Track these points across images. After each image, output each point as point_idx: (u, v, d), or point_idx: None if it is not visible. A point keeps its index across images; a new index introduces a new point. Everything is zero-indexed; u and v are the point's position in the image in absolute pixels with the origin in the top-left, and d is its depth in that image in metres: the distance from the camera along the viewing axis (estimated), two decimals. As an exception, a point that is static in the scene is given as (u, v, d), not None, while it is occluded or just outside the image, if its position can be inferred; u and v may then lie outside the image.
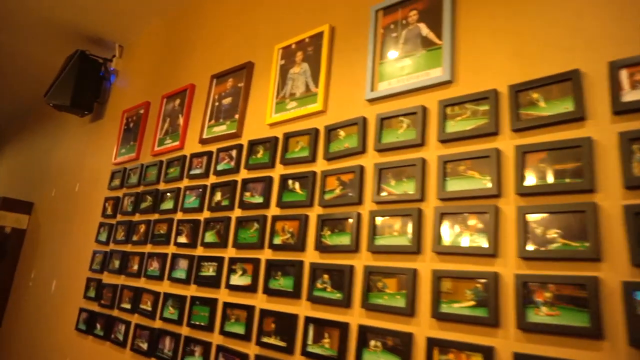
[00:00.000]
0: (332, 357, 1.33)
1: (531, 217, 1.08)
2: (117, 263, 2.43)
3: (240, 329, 1.63)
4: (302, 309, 1.48)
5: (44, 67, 3.71)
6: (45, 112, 4.18)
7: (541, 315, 1.01)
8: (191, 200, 2.09)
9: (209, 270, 1.86)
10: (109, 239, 2.59)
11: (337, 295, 1.39)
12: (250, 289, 1.65)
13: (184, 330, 1.88)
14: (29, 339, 3.15)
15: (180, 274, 1.99)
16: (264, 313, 1.57)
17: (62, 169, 3.56)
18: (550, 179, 1.08)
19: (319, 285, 1.45)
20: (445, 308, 1.16)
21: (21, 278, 3.63)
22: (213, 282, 1.81)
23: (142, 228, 2.34)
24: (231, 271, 1.75)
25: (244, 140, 1.95)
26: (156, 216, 2.29)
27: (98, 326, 2.41)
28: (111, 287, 2.41)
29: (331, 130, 1.59)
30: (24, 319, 3.33)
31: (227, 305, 1.72)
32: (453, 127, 1.29)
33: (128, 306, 2.23)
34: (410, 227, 1.28)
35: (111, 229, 2.61)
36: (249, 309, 1.63)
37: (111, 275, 2.48)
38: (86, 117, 3.36)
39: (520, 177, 1.12)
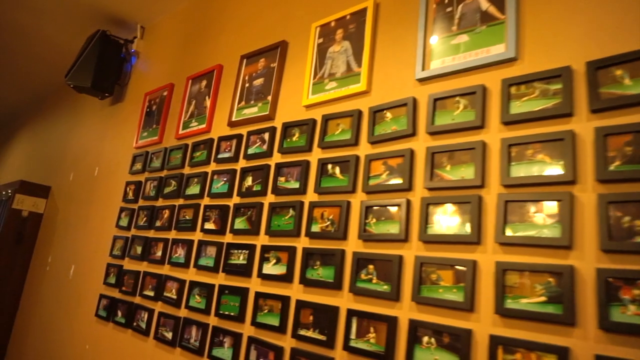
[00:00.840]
0: (379, 354, 1.24)
1: (614, 207, 0.98)
2: (139, 249, 2.36)
3: (274, 320, 1.55)
4: (344, 300, 1.39)
5: (63, 50, 3.64)
6: (64, 95, 4.12)
7: (628, 314, 0.91)
8: (219, 185, 2.01)
9: (239, 258, 1.78)
10: (130, 225, 2.52)
11: (384, 287, 1.29)
12: (285, 278, 1.56)
13: (212, 320, 1.80)
14: (46, 323, 3.11)
15: (208, 261, 1.91)
16: (301, 304, 1.48)
17: (81, 153, 3.50)
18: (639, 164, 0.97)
19: (363, 276, 1.36)
20: (510, 304, 1.06)
21: (38, 263, 3.59)
22: (244, 271, 1.73)
23: (166, 213, 2.26)
24: (264, 259, 1.67)
25: (277, 123, 1.86)
26: (181, 201, 2.21)
27: (119, 313, 2.35)
28: (133, 274, 2.34)
29: (376, 111, 1.49)
30: (42, 303, 3.29)
31: (259, 295, 1.63)
32: (519, 107, 1.18)
33: (151, 293, 2.16)
34: (468, 216, 1.18)
35: (132, 214, 2.54)
36: (284, 299, 1.54)
37: (133, 262, 2.41)
38: (106, 100, 3.29)
39: (602, 162, 1.01)
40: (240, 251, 1.78)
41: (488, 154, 1.20)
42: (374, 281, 1.32)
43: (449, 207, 1.23)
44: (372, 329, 1.29)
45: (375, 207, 1.39)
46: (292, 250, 1.58)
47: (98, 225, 2.87)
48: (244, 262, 1.75)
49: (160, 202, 2.37)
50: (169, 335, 1.97)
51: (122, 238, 2.54)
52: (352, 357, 1.31)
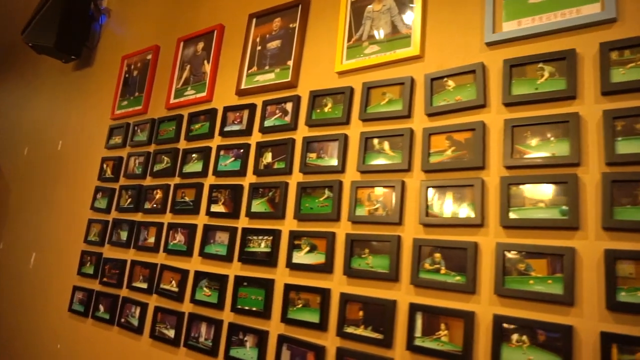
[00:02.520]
0: (455, 354, 1.09)
1: None
2: (123, 235, 2.06)
3: (312, 317, 1.36)
4: (403, 294, 1.22)
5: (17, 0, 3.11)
6: (18, 56, 3.53)
7: None
8: (228, 162, 1.75)
9: (260, 246, 1.55)
10: (110, 206, 2.20)
11: (457, 279, 1.13)
12: (324, 268, 1.37)
13: (227, 316, 1.57)
14: (3, 320, 2.70)
15: (218, 249, 1.67)
16: (347, 298, 1.30)
17: (39, 124, 3.04)
18: None
19: (427, 266, 1.19)
20: (624, 297, 0.93)
21: (-15, 250, 3.13)
22: (267, 260, 1.51)
23: (158, 194, 1.97)
24: (294, 247, 1.46)
25: (301, 92, 1.63)
26: (177, 180, 1.93)
27: (101, 308, 2.05)
28: (117, 263, 2.04)
29: (435, 79, 1.31)
30: (-7, 297, 2.86)
31: (290, 287, 1.43)
32: (622, 76, 1.04)
33: (143, 285, 1.89)
34: (564, 197, 1.04)
35: (112, 195, 2.21)
36: (324, 292, 1.35)
37: (116, 249, 2.10)
38: (70, 63, 2.85)
39: None
40: (261, 237, 1.56)
41: (584, 128, 1.06)
42: (443, 271, 1.16)
43: (539, 188, 1.08)
44: (443, 326, 1.13)
45: (439, 187, 1.22)
46: (331, 237, 1.38)
47: (67, 208, 2.50)
48: (267, 249, 1.53)
49: (149, 181, 2.07)
50: (170, 332, 1.71)
51: (99, 222, 2.21)
52: (417, 357, 1.15)
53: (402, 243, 1.25)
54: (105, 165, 2.30)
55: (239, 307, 1.53)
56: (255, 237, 1.57)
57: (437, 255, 1.18)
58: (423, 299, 1.18)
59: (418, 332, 1.16)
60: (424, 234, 1.22)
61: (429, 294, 1.17)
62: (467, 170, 1.20)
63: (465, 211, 1.16)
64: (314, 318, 1.35)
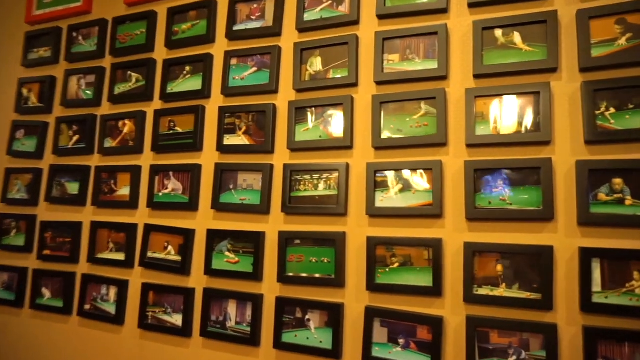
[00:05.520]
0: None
1: None
2: (72, 187, 1.45)
3: (419, 279, 0.97)
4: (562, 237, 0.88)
5: None
6: None
7: None
8: (247, 74, 1.24)
9: (318, 188, 1.11)
10: (42, 149, 1.54)
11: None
12: (432, 211, 0.98)
13: (270, 289, 1.13)
14: None
15: (245, 196, 1.19)
16: (476, 248, 0.93)
17: None
18: None
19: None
20: None
21: None
22: (332, 207, 1.07)
23: (127, 126, 1.39)
24: (376, 187, 1.04)
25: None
26: (158, 105, 1.36)
27: (45, 293, 1.43)
28: (67, 228, 1.43)
29: None
30: None
31: (375, 240, 1.02)
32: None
33: (117, 256, 1.33)
34: None
35: (45, 132, 1.54)
36: (435, 244, 0.96)
37: (62, 209, 1.47)
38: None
39: None
40: (317, 176, 1.10)
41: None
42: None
43: None
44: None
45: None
46: (438, 166, 0.98)
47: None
48: (331, 191, 1.09)
49: (106, 109, 1.44)
50: (175, 319, 1.21)
51: (26, 171, 1.53)
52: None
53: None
54: (25, 90, 1.58)
55: (290, 274, 1.09)
56: (306, 177, 1.11)
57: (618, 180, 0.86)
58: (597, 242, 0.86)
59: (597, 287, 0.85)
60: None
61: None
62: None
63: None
64: (423, 280, 0.96)
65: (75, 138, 1.46)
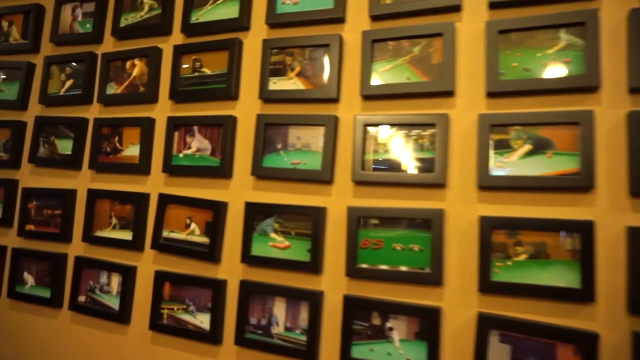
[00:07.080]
0: None
1: None
2: (64, 145, 1.14)
3: (556, 278, 0.68)
4: None
5: None
6: None
7: None
8: (302, -3, 0.91)
9: (423, 148, 0.80)
10: (27, 96, 1.22)
11: None
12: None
13: (334, 285, 0.84)
14: None
15: (297, 159, 0.88)
16: None
17: None
18: None
19: None
20: None
21: None
22: (431, 175, 0.77)
23: (136, 67, 1.07)
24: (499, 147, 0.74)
25: None
26: (179, 38, 1.04)
27: (28, 279, 1.13)
28: (56, 196, 1.12)
29: None
30: None
31: (494, 222, 0.72)
32: None
33: (123, 235, 1.02)
34: None
35: (31, 74, 1.23)
36: (586, 226, 0.67)
37: (49, 172, 1.16)
38: None
39: None
40: (416, 131, 0.80)
41: None
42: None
43: None
44: None
45: None
46: (593, 121, 0.68)
47: None
48: (430, 154, 0.79)
49: (109, 46, 1.12)
50: (201, 319, 0.92)
51: (5, 125, 1.22)
52: None
53: None
54: (5, 23, 1.26)
55: (363, 266, 0.79)
56: (384, 136, 0.81)
57: None
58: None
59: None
60: None
61: None
62: None
63: None
64: (564, 279, 0.68)
65: (69, 83, 1.14)
